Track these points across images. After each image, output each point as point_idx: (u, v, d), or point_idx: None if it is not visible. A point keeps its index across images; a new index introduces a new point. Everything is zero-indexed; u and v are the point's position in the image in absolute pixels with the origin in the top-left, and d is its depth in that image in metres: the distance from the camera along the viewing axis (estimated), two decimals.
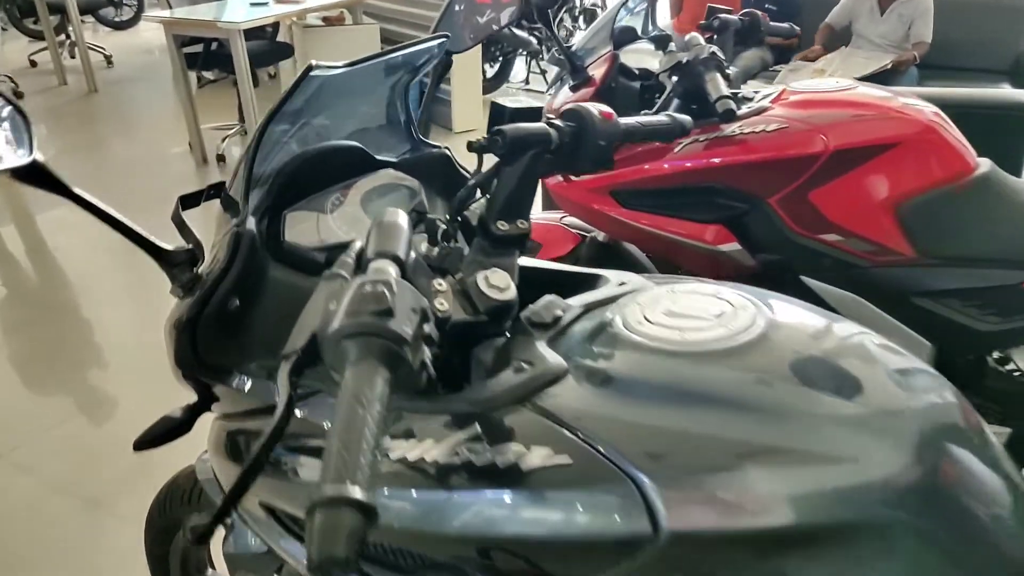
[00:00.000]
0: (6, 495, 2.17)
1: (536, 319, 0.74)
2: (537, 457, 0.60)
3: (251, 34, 4.37)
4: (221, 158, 4.70)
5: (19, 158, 0.69)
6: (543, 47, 4.28)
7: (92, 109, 6.11)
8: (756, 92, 1.66)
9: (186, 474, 1.18)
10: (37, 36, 7.16)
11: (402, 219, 0.68)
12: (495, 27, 1.42)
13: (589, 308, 0.77)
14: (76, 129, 5.69)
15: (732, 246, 1.60)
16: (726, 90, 1.52)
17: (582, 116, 0.85)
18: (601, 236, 1.87)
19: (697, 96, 1.58)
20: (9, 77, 6.10)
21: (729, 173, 1.56)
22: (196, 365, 0.76)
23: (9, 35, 7.98)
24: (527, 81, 6.48)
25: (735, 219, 1.59)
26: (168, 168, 4.68)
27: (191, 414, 0.93)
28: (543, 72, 6.38)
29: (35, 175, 0.70)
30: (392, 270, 0.61)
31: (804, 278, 1.55)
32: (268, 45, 5.10)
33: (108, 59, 7.13)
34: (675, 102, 1.57)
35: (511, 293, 0.73)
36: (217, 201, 0.90)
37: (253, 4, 4.45)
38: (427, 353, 0.56)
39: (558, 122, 0.85)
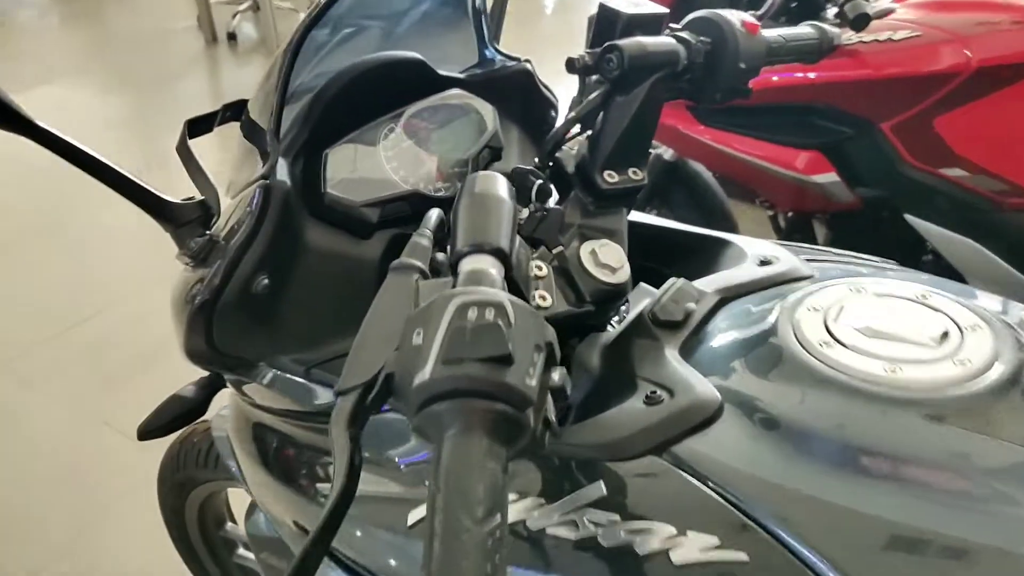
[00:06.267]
0: None
1: (664, 315, 0.55)
2: (695, 547, 0.42)
3: None
4: (232, 36, 4.35)
5: None
6: None
7: None
8: None
9: (201, 430, 1.02)
10: None
11: (502, 188, 0.48)
12: None
13: (726, 299, 0.58)
14: None
15: (828, 177, 1.38)
16: None
17: (721, 29, 0.64)
18: (668, 153, 1.64)
19: None
20: None
21: (836, 91, 1.31)
22: (212, 357, 0.58)
23: None
24: None
25: (835, 146, 1.36)
26: (174, 45, 4.34)
27: (206, 393, 0.76)
28: None
29: None
30: (496, 273, 0.43)
31: (910, 217, 1.33)
32: None
33: None
34: None
35: (624, 274, 0.57)
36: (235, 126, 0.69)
37: None
38: (552, 409, 0.37)
39: (687, 36, 0.64)
